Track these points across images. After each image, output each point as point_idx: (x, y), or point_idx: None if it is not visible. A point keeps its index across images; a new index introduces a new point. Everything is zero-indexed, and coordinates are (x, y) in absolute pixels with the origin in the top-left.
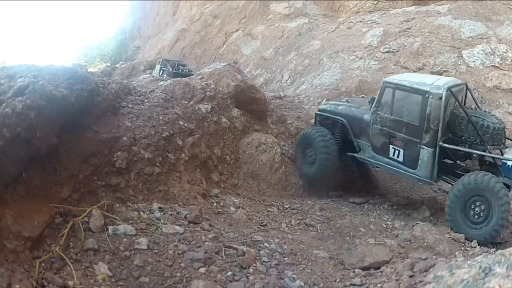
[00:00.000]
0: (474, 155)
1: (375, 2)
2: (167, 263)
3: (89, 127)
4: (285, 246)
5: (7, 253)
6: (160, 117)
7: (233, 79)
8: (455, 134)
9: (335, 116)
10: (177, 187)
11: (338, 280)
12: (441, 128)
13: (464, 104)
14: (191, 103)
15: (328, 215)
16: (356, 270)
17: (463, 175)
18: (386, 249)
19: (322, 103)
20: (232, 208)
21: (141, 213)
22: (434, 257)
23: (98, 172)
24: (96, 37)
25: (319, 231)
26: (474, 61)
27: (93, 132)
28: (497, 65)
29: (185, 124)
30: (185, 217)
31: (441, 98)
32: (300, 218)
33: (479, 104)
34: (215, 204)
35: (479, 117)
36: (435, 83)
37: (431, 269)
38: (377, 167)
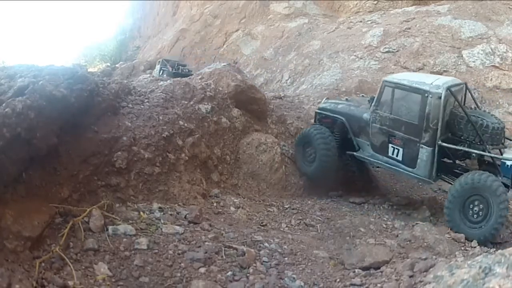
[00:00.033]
0: (473, 154)
1: (375, 2)
2: (167, 263)
3: (89, 127)
4: (285, 246)
5: (7, 253)
6: (160, 117)
7: (233, 79)
8: (454, 133)
9: (335, 115)
10: (177, 187)
11: (338, 280)
12: (440, 128)
13: (464, 104)
14: (191, 103)
15: (328, 215)
16: (356, 270)
17: (462, 174)
18: (386, 249)
19: (322, 101)
20: (232, 208)
21: (141, 213)
22: (434, 257)
23: (98, 172)
24: (96, 37)
25: (319, 231)
26: (474, 61)
27: (93, 132)
28: (497, 65)
29: (185, 124)
30: (185, 217)
31: (440, 98)
32: (300, 218)
33: (478, 104)
34: (215, 204)
35: (479, 117)
36: (435, 83)
37: (431, 269)
38: (377, 166)
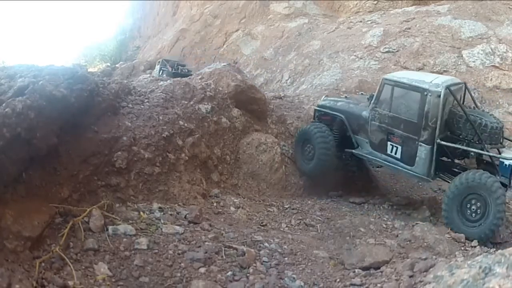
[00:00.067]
0: (472, 153)
1: (375, 2)
2: (167, 263)
3: (89, 127)
4: (285, 246)
5: (7, 253)
6: (160, 117)
7: (233, 79)
8: (453, 132)
9: (334, 112)
10: (177, 187)
11: (338, 280)
12: (439, 126)
13: (463, 103)
14: (191, 103)
15: (328, 215)
16: (356, 270)
17: (460, 173)
18: (386, 249)
19: (321, 99)
20: (232, 208)
21: (141, 213)
22: (434, 257)
23: (98, 172)
24: (96, 37)
25: (319, 231)
26: (474, 61)
27: (93, 132)
28: (497, 65)
29: (185, 124)
30: (185, 217)
31: (439, 96)
32: (300, 218)
33: (478, 104)
34: (215, 204)
35: (477, 116)
36: (434, 81)
37: (431, 269)
38: (377, 166)
